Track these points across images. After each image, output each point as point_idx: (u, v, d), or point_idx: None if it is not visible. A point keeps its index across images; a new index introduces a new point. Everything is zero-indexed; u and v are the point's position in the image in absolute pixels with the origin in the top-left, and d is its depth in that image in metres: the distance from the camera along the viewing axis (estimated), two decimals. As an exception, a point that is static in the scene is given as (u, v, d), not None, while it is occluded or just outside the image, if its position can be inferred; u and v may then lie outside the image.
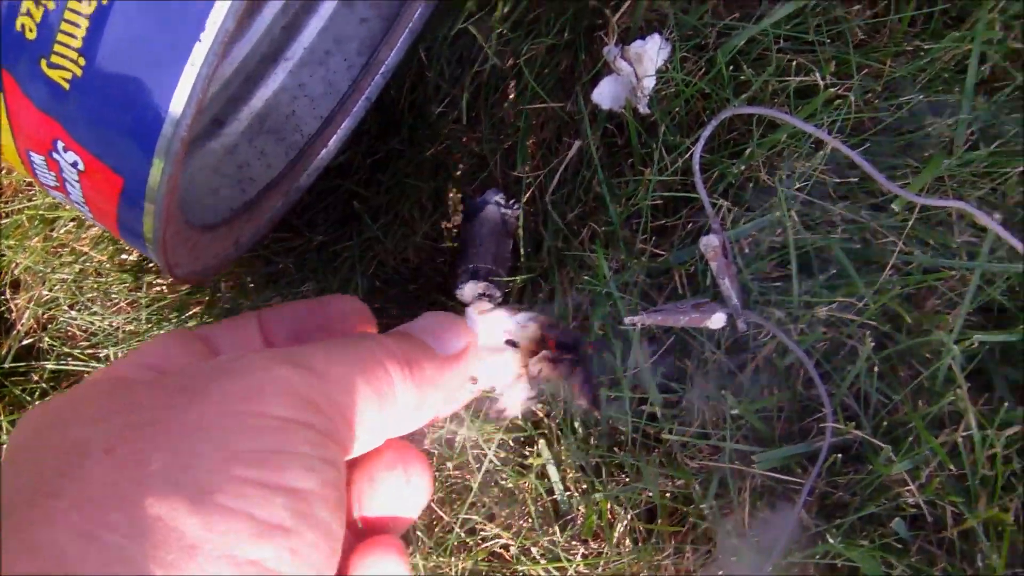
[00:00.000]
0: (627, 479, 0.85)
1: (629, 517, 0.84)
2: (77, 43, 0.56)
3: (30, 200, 0.99)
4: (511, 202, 0.91)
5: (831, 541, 0.78)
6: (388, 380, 0.46)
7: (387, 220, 0.93)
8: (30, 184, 1.00)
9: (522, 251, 0.90)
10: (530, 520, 0.87)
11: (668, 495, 0.84)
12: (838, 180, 0.83)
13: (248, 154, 0.93)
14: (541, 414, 0.86)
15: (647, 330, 0.82)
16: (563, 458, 0.86)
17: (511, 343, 0.59)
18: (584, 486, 0.86)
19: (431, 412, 0.50)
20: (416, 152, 0.94)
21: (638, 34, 0.89)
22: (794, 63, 0.86)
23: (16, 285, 1.02)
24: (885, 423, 0.79)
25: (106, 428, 0.40)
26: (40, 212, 0.98)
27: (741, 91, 0.87)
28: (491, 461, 0.86)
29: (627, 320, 0.80)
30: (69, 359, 0.97)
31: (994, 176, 0.82)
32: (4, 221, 1.00)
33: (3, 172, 1.00)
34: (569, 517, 0.87)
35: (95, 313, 0.97)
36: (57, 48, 0.56)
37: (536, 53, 0.92)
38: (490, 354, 0.58)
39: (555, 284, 0.86)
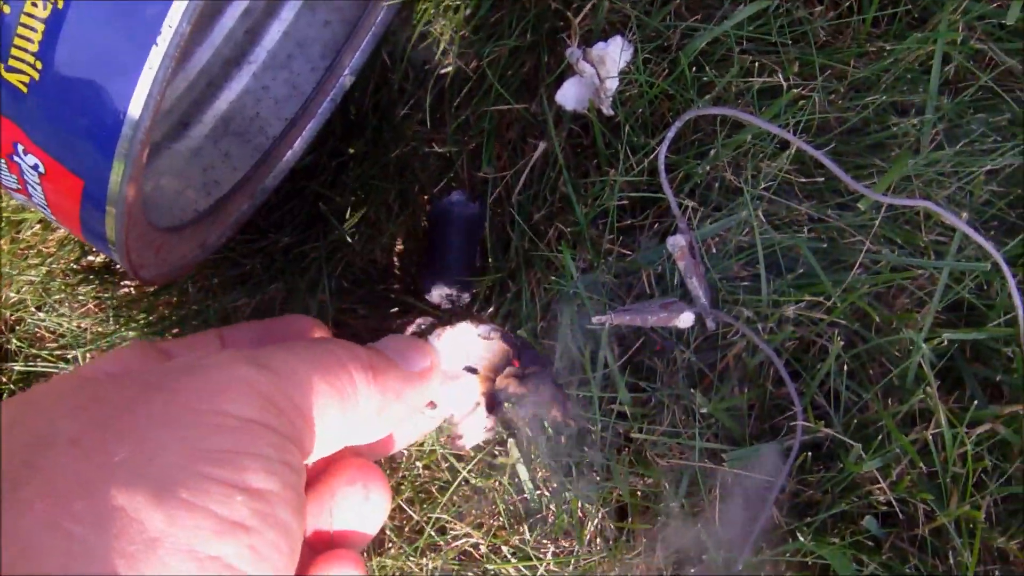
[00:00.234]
0: (597, 478, 0.80)
1: (600, 516, 0.80)
2: (33, 47, 0.53)
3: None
4: (477, 203, 0.86)
5: (802, 539, 0.74)
6: (350, 381, 0.45)
7: (354, 221, 0.88)
8: None
9: (489, 252, 0.85)
10: (500, 519, 0.82)
11: (639, 494, 0.80)
12: (804, 180, 0.79)
13: (213, 156, 0.88)
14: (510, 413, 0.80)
15: (615, 329, 0.78)
16: (532, 457, 0.81)
17: (470, 369, 0.57)
18: (554, 485, 0.81)
19: (392, 423, 0.49)
20: (381, 154, 0.89)
21: (600, 36, 0.85)
22: (757, 64, 0.81)
23: None
24: (855, 421, 0.76)
25: (72, 420, 0.39)
26: (6, 215, 0.93)
27: (705, 92, 0.82)
28: (460, 461, 0.82)
29: (595, 320, 0.76)
30: (37, 360, 0.92)
31: (961, 175, 0.78)
32: None
33: None
34: (539, 516, 0.82)
35: (63, 315, 0.92)
36: (14, 52, 0.53)
37: (499, 55, 0.87)
38: (449, 380, 0.57)
39: (522, 284, 0.81)
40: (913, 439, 0.73)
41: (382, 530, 0.81)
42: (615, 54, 0.82)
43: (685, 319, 0.76)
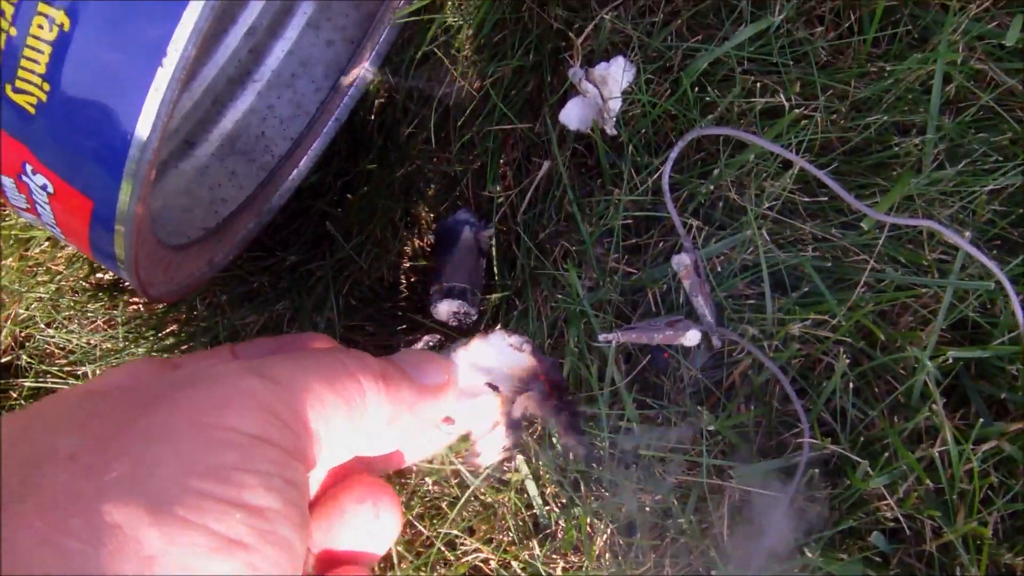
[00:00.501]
0: (606, 494, 0.76)
1: (609, 531, 0.76)
2: (41, 68, 0.51)
3: (4, 220, 0.90)
4: (483, 221, 0.82)
5: (810, 555, 0.70)
6: (359, 390, 0.42)
7: (360, 240, 0.85)
8: (2, 205, 0.89)
9: (495, 270, 0.81)
10: (510, 534, 0.78)
11: (647, 509, 0.76)
12: (807, 199, 0.76)
13: (220, 175, 0.85)
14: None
15: (622, 347, 0.75)
16: (541, 474, 0.77)
17: (492, 387, 0.53)
18: (563, 501, 0.77)
19: (403, 436, 0.46)
20: (387, 173, 0.86)
21: (603, 56, 0.81)
22: (759, 84, 0.78)
23: None
24: (862, 438, 0.72)
25: (71, 436, 0.37)
26: (15, 232, 0.89)
27: (708, 112, 0.79)
28: (470, 477, 0.78)
29: (602, 337, 0.73)
30: (47, 376, 0.88)
31: (963, 194, 0.75)
32: None
33: None
34: (549, 531, 0.78)
35: (72, 331, 0.88)
36: (21, 74, 0.51)
37: (503, 75, 0.83)
38: (468, 397, 0.52)
39: (529, 302, 0.77)
40: (919, 456, 0.70)
41: (392, 545, 0.78)
42: (617, 74, 0.79)
43: (691, 337, 0.73)
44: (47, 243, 0.89)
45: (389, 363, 0.45)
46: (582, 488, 0.76)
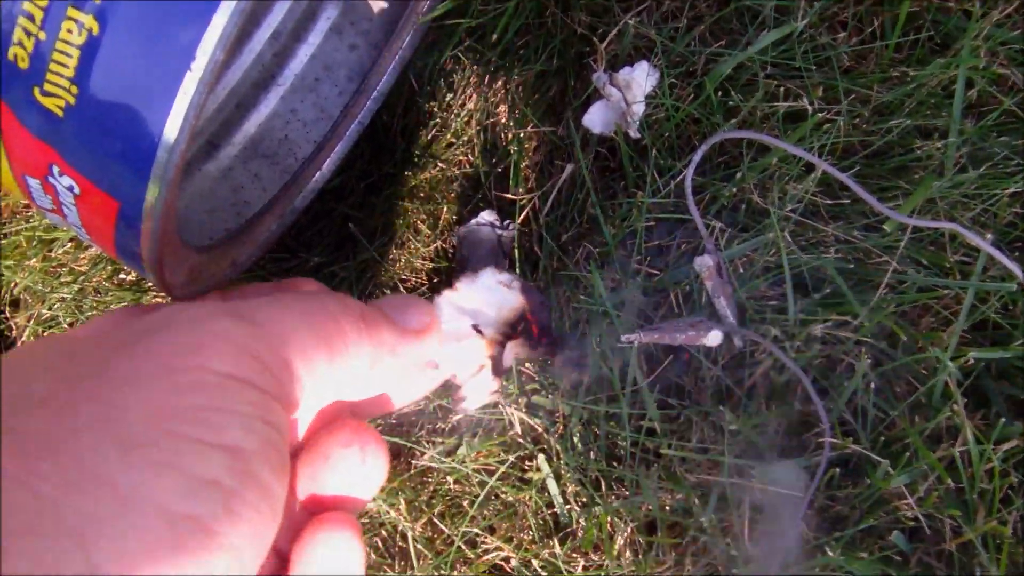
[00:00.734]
0: (627, 493, 0.76)
1: (629, 530, 0.76)
2: (69, 72, 0.49)
3: (28, 222, 0.90)
4: (506, 223, 0.83)
5: (831, 553, 0.70)
6: (339, 331, 0.40)
7: (383, 242, 0.85)
8: (27, 206, 0.92)
9: (517, 271, 0.81)
10: (531, 533, 0.78)
11: (668, 508, 0.76)
12: (830, 202, 0.77)
13: (243, 177, 0.84)
14: (540, 429, 0.76)
15: (644, 348, 0.74)
16: (562, 472, 0.77)
17: (476, 329, 0.51)
18: (584, 500, 0.77)
19: (386, 379, 0.44)
20: (410, 175, 0.86)
21: (626, 61, 0.81)
22: (782, 89, 0.78)
23: (16, 304, 0.93)
24: (883, 438, 0.72)
25: (43, 381, 0.35)
26: (38, 233, 0.89)
27: (731, 116, 0.79)
28: (491, 475, 0.77)
29: (624, 338, 0.73)
30: None
31: (985, 197, 0.75)
32: (3, 242, 0.91)
33: (1, 195, 0.91)
34: (569, 530, 0.78)
35: None
36: (49, 77, 0.50)
37: (526, 79, 0.82)
38: (453, 340, 0.50)
39: (552, 303, 0.74)
40: (940, 456, 0.70)
41: (412, 543, 0.78)
42: (641, 79, 0.79)
43: (713, 337, 0.72)
44: (70, 244, 0.89)
45: (371, 306, 0.44)
46: (603, 487, 0.76)
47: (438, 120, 0.85)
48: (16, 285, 0.90)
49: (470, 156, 0.85)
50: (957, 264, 0.74)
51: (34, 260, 0.88)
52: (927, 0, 0.79)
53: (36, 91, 0.51)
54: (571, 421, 0.75)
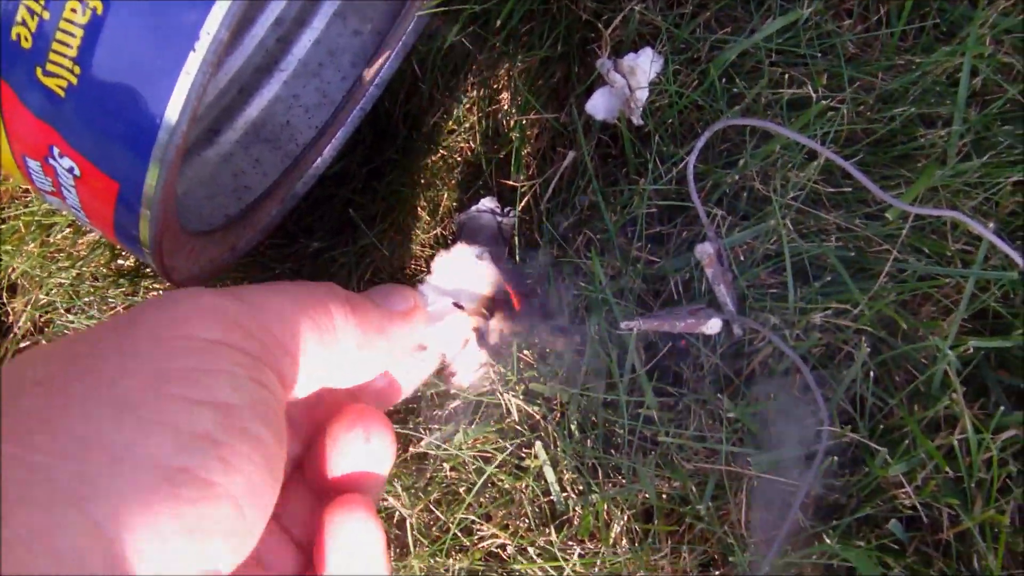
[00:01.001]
0: (624, 480, 0.78)
1: (626, 518, 0.78)
2: (72, 52, 0.52)
3: (27, 207, 0.92)
4: (506, 209, 0.84)
5: (828, 542, 0.71)
6: (328, 315, 0.42)
7: (383, 227, 0.87)
8: (26, 191, 0.94)
9: (517, 257, 0.83)
10: (527, 520, 0.80)
11: (664, 496, 0.77)
12: (832, 190, 0.78)
13: (244, 162, 0.86)
14: (538, 416, 0.77)
15: (644, 335, 0.75)
16: (559, 460, 0.79)
17: (457, 305, 0.54)
18: (581, 487, 0.79)
19: (377, 362, 0.45)
20: (411, 161, 0.88)
21: (631, 47, 0.83)
22: (787, 76, 0.80)
23: (13, 289, 0.95)
24: (881, 426, 0.73)
25: (40, 366, 0.36)
26: (37, 218, 0.91)
27: (734, 103, 0.81)
28: (488, 463, 0.79)
29: (624, 325, 0.74)
30: None
31: (987, 186, 0.76)
32: (1, 227, 0.92)
33: (0, 179, 0.92)
34: (566, 518, 0.80)
35: (92, 316, 0.90)
36: (52, 57, 0.52)
37: (530, 65, 0.84)
38: (437, 320, 0.54)
39: (551, 290, 0.76)
40: (938, 444, 0.71)
41: (409, 530, 0.80)
42: (645, 65, 0.81)
43: (713, 325, 0.73)
44: (69, 229, 0.91)
45: (356, 294, 0.46)
46: (600, 474, 0.77)
47: (440, 107, 0.87)
48: (14, 270, 0.92)
49: (471, 143, 0.86)
50: (958, 253, 0.75)
51: (32, 245, 0.90)
52: (933, -12, 0.82)
53: (38, 71, 0.52)
54: (569, 408, 0.77)
